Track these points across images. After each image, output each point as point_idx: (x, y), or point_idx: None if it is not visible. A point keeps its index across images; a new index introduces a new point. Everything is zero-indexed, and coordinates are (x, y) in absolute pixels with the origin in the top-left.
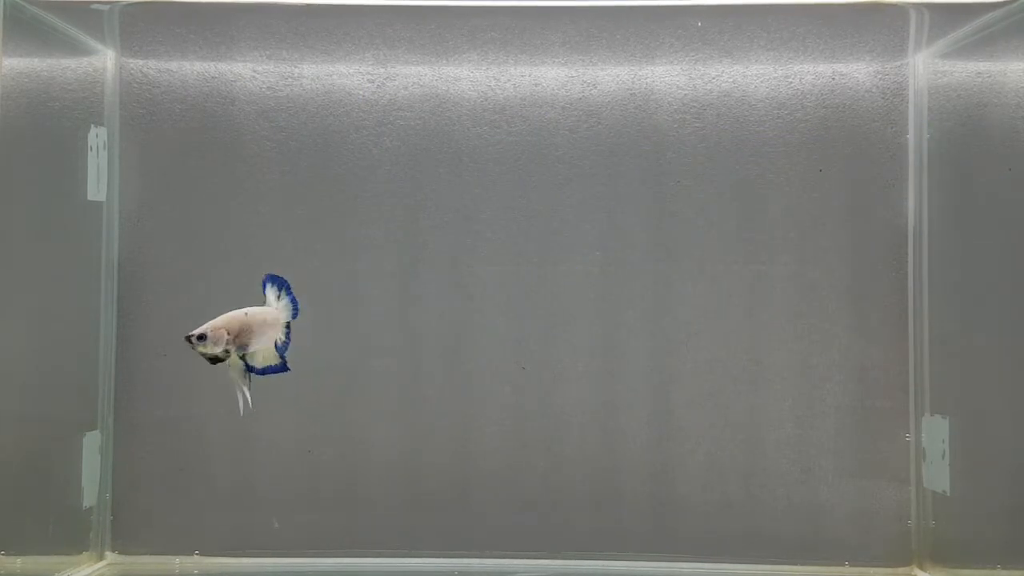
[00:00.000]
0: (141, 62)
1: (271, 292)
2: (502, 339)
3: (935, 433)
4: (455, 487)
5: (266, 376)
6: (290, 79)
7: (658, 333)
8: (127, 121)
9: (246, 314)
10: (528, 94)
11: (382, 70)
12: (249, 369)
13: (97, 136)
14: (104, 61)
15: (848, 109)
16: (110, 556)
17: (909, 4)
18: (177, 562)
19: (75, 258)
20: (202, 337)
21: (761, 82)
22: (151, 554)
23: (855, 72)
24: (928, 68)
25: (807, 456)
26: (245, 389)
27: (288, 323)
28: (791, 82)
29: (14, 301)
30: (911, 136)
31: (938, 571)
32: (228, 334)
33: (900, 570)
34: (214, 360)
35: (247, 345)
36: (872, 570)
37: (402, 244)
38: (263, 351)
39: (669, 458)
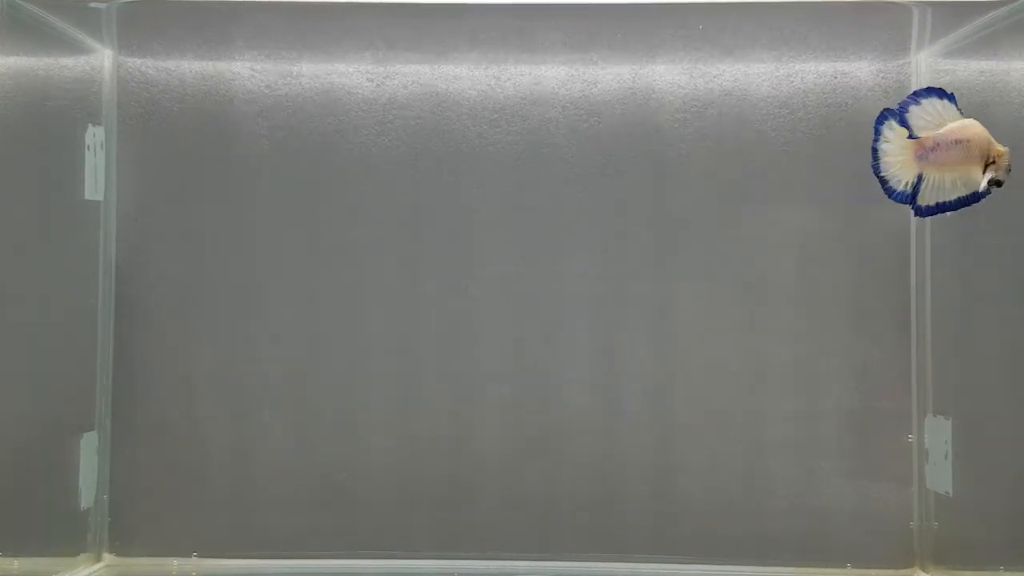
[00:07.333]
0: (139, 61)
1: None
2: (502, 339)
3: (938, 434)
4: (455, 487)
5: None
6: (289, 78)
7: (658, 333)
8: (124, 120)
9: None
10: (528, 93)
11: (381, 69)
12: None
13: (94, 135)
14: (101, 60)
15: (850, 108)
16: (108, 557)
17: (912, 2)
18: (175, 563)
19: (72, 258)
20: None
21: (763, 81)
22: (149, 555)
23: (857, 71)
24: (930, 67)
25: (809, 457)
26: None
27: None
28: (793, 81)
29: (11, 301)
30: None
31: (940, 572)
32: None
33: (902, 571)
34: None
35: None
36: (874, 571)
37: (402, 243)
38: None
39: (670, 459)
